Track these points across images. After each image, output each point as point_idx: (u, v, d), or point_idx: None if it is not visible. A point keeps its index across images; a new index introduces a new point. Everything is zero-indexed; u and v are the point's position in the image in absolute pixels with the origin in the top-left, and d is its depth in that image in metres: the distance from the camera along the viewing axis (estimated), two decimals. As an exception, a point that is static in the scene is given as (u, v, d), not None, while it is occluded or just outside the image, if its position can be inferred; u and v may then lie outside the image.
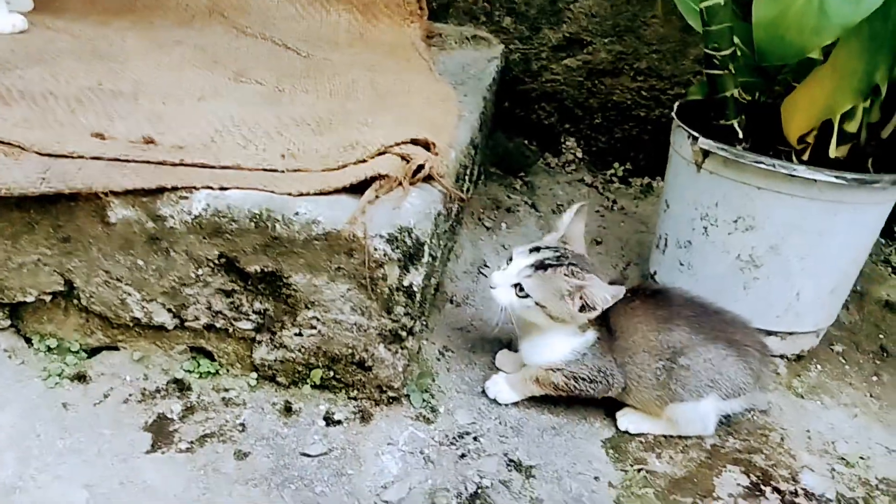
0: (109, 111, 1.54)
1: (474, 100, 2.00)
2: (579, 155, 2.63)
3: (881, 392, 1.79)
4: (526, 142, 2.64)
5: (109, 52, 1.91)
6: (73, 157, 1.36)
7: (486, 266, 2.02)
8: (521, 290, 1.43)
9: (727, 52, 1.60)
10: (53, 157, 1.35)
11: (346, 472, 1.36)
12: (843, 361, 1.89)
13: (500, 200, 2.36)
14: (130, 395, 1.46)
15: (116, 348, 1.53)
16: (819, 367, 1.85)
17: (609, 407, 1.57)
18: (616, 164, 2.62)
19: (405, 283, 1.38)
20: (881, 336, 2.00)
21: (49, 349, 1.51)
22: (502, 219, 2.29)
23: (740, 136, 1.70)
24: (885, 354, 1.94)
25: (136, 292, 1.44)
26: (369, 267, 1.35)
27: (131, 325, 1.49)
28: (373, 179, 1.40)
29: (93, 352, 1.53)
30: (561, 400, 1.57)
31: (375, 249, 1.33)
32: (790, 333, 1.80)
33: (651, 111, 2.53)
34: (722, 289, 1.74)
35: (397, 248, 1.34)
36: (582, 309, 1.41)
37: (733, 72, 1.63)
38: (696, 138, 1.69)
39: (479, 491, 1.36)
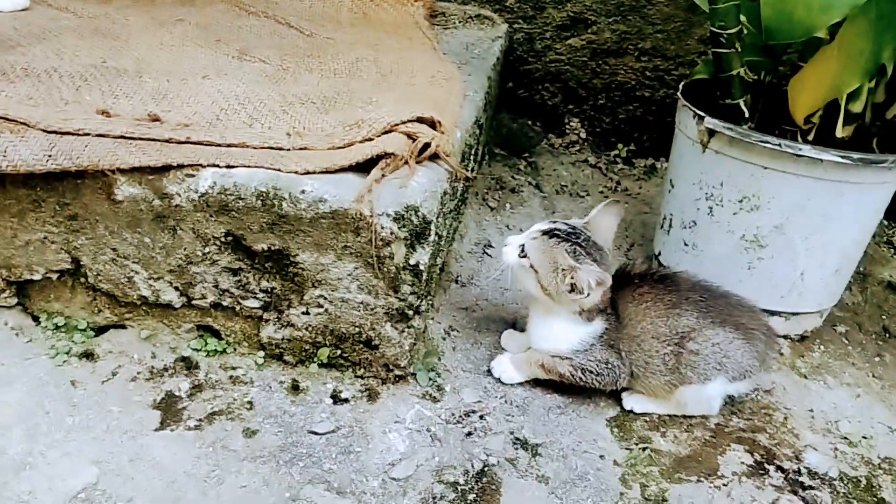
0: (114, 89, 1.53)
1: (479, 80, 1.99)
2: (583, 136, 2.63)
3: (884, 372, 1.80)
4: (530, 122, 2.63)
5: (112, 30, 1.91)
6: (78, 135, 1.35)
7: (490, 246, 2.02)
8: (523, 250, 1.44)
9: (734, 31, 1.60)
10: (59, 135, 1.35)
11: (353, 450, 1.37)
12: (846, 342, 1.90)
13: (505, 181, 2.36)
14: (138, 373, 1.47)
15: (124, 326, 1.54)
16: (822, 347, 1.86)
17: (613, 385, 1.58)
18: (620, 145, 2.62)
19: (412, 262, 1.38)
20: (884, 317, 2.01)
21: (56, 327, 1.52)
22: (507, 199, 2.29)
23: (746, 115, 1.70)
24: (887, 335, 1.95)
25: (143, 270, 1.44)
26: (376, 245, 1.35)
27: (138, 303, 1.49)
28: (379, 158, 1.39)
29: (100, 330, 1.53)
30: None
31: (382, 228, 1.33)
32: (794, 314, 1.80)
33: (655, 91, 2.52)
34: (726, 269, 1.74)
35: (404, 226, 1.34)
36: (571, 290, 1.41)
37: (739, 50, 1.63)
38: (701, 117, 1.69)
39: (486, 469, 1.37)
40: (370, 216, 1.32)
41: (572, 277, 1.40)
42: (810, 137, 1.71)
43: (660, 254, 1.97)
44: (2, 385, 1.38)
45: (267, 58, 1.86)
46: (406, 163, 1.42)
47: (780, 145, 1.57)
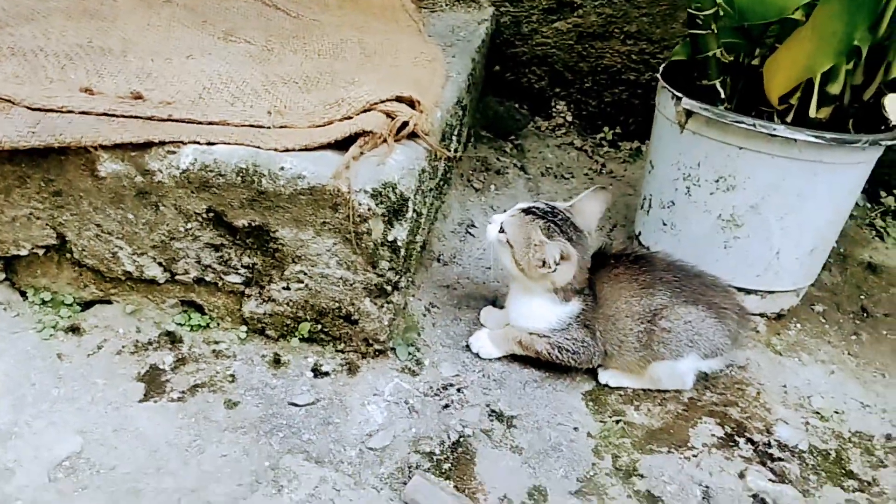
0: (99, 68, 1.56)
1: (462, 61, 2.02)
2: (569, 118, 2.64)
3: (859, 350, 1.83)
4: (517, 105, 2.65)
5: (99, 11, 1.92)
6: (62, 112, 1.38)
7: (473, 226, 2.05)
8: (503, 227, 1.48)
9: (710, 12, 1.62)
10: (43, 112, 1.38)
11: (332, 421, 1.40)
12: (824, 321, 1.93)
13: (490, 163, 2.38)
14: (123, 346, 1.50)
15: (109, 301, 1.57)
16: (799, 325, 1.89)
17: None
18: (606, 128, 2.63)
19: (389, 238, 1.41)
20: (862, 297, 2.04)
21: (43, 302, 1.55)
22: (491, 181, 2.31)
23: (722, 95, 1.72)
24: (865, 314, 1.98)
25: (127, 246, 1.47)
26: (354, 222, 1.37)
27: (123, 278, 1.52)
28: (358, 135, 1.42)
29: (86, 305, 1.56)
30: (543, 354, 1.61)
31: (360, 204, 1.36)
32: (770, 292, 1.83)
33: (641, 75, 2.54)
34: (703, 248, 1.77)
35: (381, 203, 1.37)
36: (542, 265, 1.45)
37: (716, 31, 1.65)
38: (679, 98, 1.71)
39: (462, 439, 1.40)
40: (347, 193, 1.35)
41: (542, 252, 1.43)
42: (789, 119, 1.73)
43: (640, 234, 1.99)
44: (-10, 358, 1.42)
45: (252, 38, 1.88)
46: (385, 141, 1.45)
47: (754, 125, 1.60)
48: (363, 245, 1.41)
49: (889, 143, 1.66)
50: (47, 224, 1.46)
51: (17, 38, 1.63)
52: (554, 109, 2.65)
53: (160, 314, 1.56)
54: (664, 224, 1.87)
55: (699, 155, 1.73)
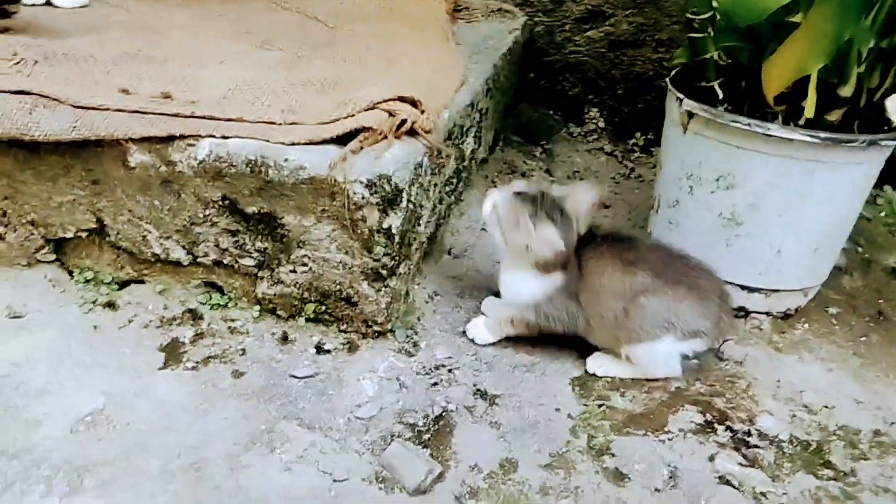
0: (140, 72, 1.74)
1: (483, 67, 2.12)
2: (601, 125, 2.71)
3: (866, 351, 1.82)
4: (550, 112, 2.73)
5: (155, 25, 2.13)
6: (100, 109, 1.56)
7: (489, 223, 2.14)
8: (494, 205, 1.59)
9: (706, 16, 1.68)
10: (84, 109, 1.56)
11: (327, 393, 1.52)
12: (834, 322, 1.92)
13: (516, 166, 2.47)
14: (151, 321, 1.66)
15: (143, 281, 1.74)
16: (807, 325, 1.89)
17: (581, 350, 1.68)
18: (637, 134, 2.68)
19: (384, 226, 1.52)
20: (881, 301, 2.02)
21: (87, 281, 1.73)
22: (516, 182, 2.40)
23: (720, 96, 1.77)
24: (880, 317, 1.96)
25: (154, 230, 1.64)
26: (349, 209, 1.50)
27: (153, 260, 1.69)
28: (359, 131, 1.54)
29: (123, 284, 1.74)
30: (537, 340, 1.69)
31: (354, 193, 1.48)
32: (774, 290, 1.85)
33: (672, 81, 2.58)
34: (706, 245, 1.81)
35: (375, 192, 1.48)
36: (526, 249, 1.54)
37: (712, 34, 1.70)
38: (681, 100, 1.76)
39: (444, 413, 1.50)
40: (343, 182, 1.47)
41: (528, 237, 1.52)
42: (801, 122, 1.75)
43: (651, 233, 2.04)
44: (37, 328, 1.60)
45: (285, 47, 2.04)
46: (385, 137, 1.56)
47: (749, 125, 1.64)
48: (359, 231, 1.53)
49: (889, 143, 1.67)
50: (88, 209, 1.64)
51: (73, 47, 1.83)
52: (587, 116, 2.72)
53: (185, 293, 1.72)
54: (670, 223, 1.92)
55: (700, 155, 1.77)
